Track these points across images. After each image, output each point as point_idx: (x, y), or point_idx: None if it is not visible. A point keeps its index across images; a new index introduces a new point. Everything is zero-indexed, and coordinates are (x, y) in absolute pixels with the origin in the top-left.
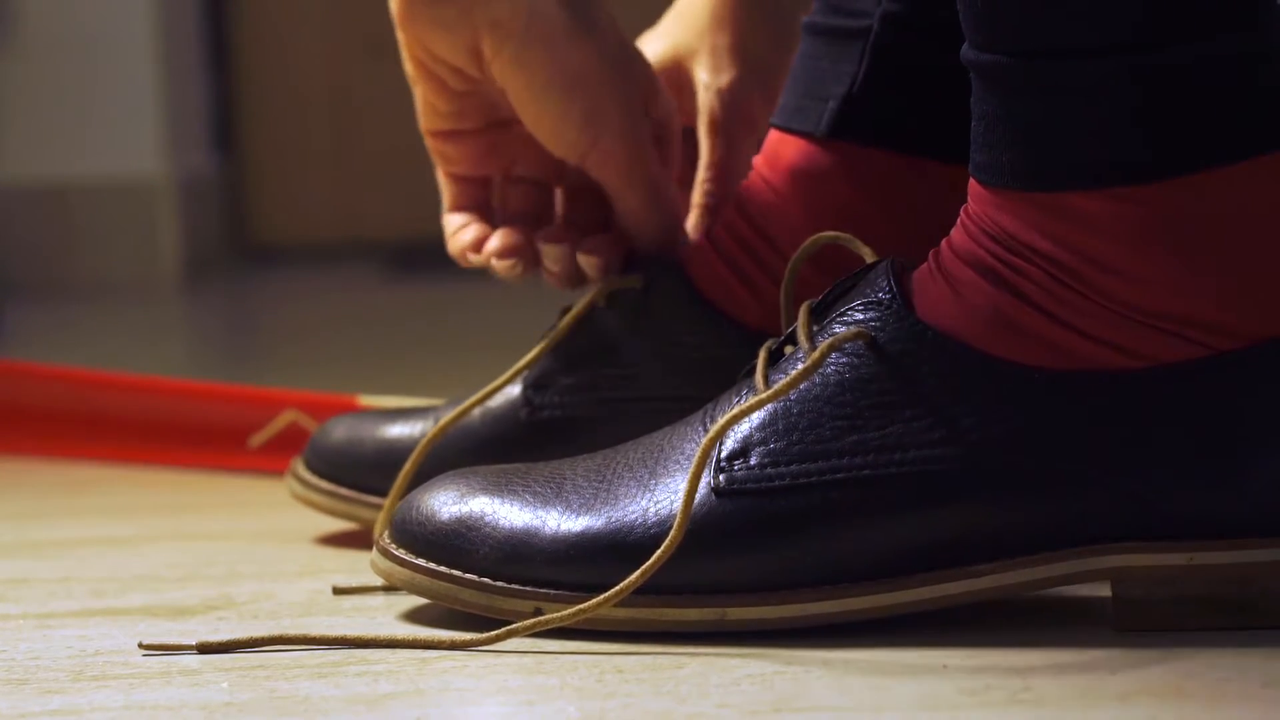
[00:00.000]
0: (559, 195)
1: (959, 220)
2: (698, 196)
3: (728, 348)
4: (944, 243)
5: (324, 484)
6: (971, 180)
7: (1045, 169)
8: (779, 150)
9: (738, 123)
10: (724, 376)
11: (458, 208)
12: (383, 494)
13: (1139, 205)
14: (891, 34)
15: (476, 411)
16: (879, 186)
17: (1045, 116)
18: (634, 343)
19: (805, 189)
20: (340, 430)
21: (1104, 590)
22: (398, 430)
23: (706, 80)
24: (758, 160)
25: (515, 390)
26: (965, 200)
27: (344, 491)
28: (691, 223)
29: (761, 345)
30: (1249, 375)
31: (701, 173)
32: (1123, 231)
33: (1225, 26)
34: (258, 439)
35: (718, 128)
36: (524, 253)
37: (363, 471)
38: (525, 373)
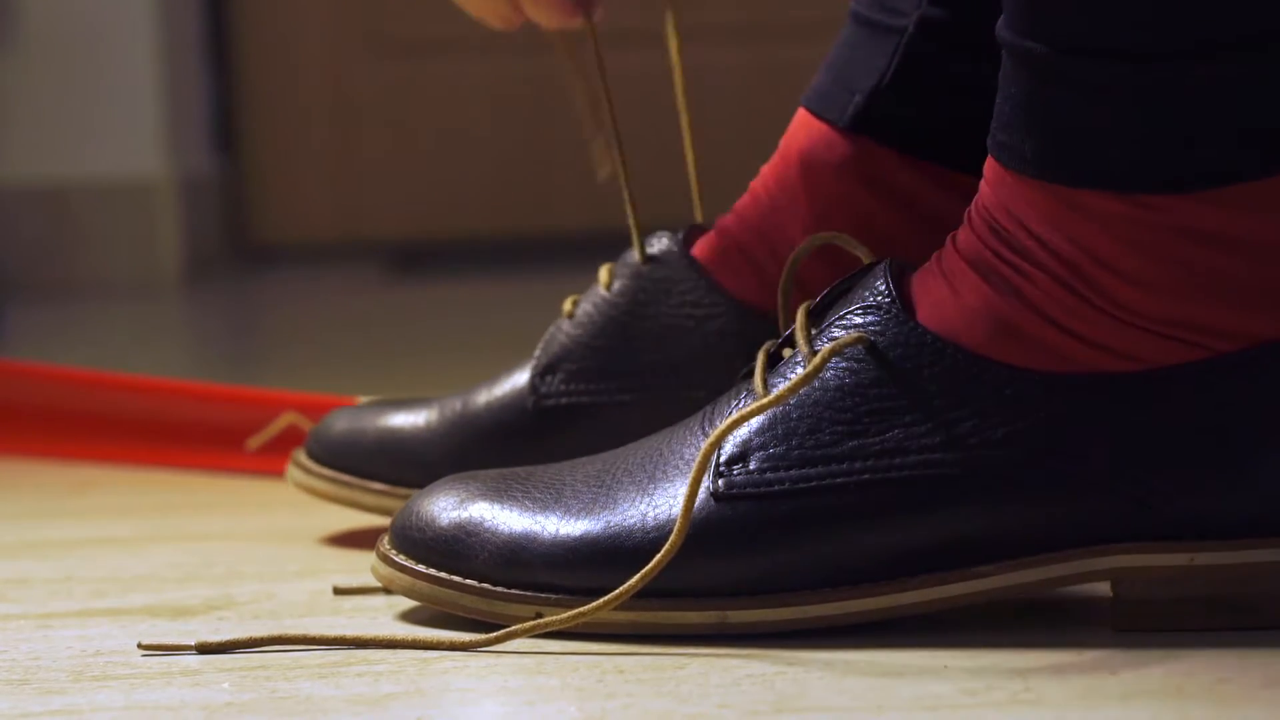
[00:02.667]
0: None
1: (965, 220)
2: None
3: (736, 330)
4: (948, 241)
5: (326, 471)
6: (989, 159)
7: (1067, 164)
8: (803, 131)
9: None
10: (732, 359)
11: None
12: (385, 480)
13: (1158, 212)
14: (926, 38)
15: (483, 400)
16: (891, 186)
17: (1076, 113)
18: (640, 329)
19: (819, 176)
20: (343, 421)
21: (1104, 590)
22: (400, 419)
23: None
24: (785, 138)
25: (522, 379)
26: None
27: (345, 478)
28: None
29: (768, 327)
30: (1249, 377)
31: None
32: (1137, 236)
33: (1272, 41)
34: (255, 441)
35: None
36: None
37: (365, 458)
38: (533, 361)
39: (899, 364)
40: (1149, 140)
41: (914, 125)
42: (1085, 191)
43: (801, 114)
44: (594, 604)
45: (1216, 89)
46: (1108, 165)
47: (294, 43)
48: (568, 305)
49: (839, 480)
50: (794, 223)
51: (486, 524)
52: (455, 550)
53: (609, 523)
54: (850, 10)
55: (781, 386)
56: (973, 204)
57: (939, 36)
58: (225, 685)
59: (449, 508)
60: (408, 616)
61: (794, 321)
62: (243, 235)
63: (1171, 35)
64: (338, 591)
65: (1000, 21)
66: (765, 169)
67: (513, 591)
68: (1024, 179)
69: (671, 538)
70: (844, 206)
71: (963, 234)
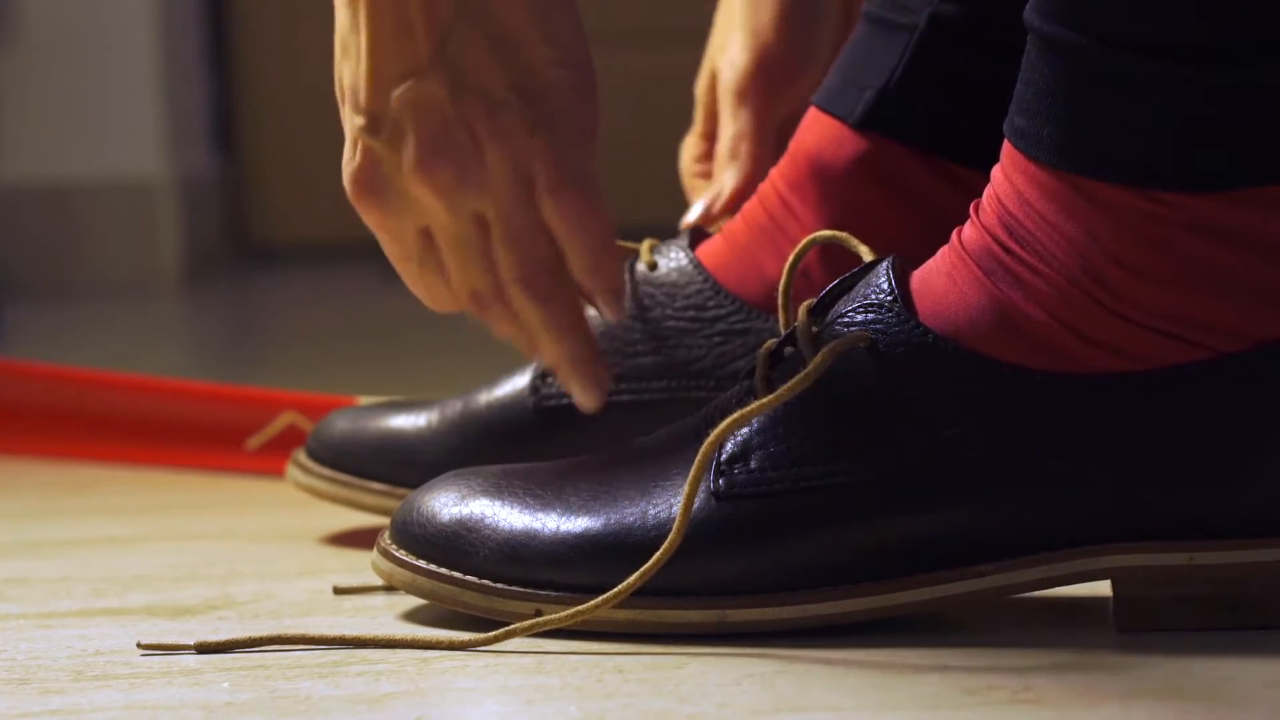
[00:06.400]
0: None
1: (971, 215)
2: (719, 166)
3: (742, 332)
4: (953, 237)
5: (326, 471)
6: (1005, 143)
7: (1086, 154)
8: (812, 129)
9: (740, 90)
10: (738, 360)
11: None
12: (384, 480)
13: (1174, 209)
14: (936, 35)
15: (483, 400)
16: (899, 182)
17: (1103, 104)
18: (645, 331)
19: (830, 173)
20: (343, 421)
21: (1104, 590)
22: (401, 421)
23: (720, 69)
24: (794, 139)
25: (523, 380)
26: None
27: (345, 478)
28: (723, 196)
29: (774, 328)
30: (1251, 377)
31: (721, 143)
32: (1149, 231)
33: None
34: (255, 441)
35: (724, 100)
36: None
37: (364, 458)
38: (534, 363)
39: (900, 363)
40: (1176, 137)
41: (925, 122)
42: (1101, 183)
43: (812, 113)
44: (593, 602)
45: (1253, 91)
46: (1128, 158)
47: (294, 43)
48: None
49: (839, 479)
50: (803, 222)
51: (487, 520)
52: (455, 546)
53: (609, 520)
54: (862, 10)
55: (782, 385)
56: (981, 197)
57: (951, 33)
58: (224, 685)
59: (450, 504)
60: (407, 616)
61: (795, 320)
62: (243, 235)
63: (1216, 36)
64: (338, 591)
65: (1029, 6)
66: (773, 171)
67: (513, 588)
68: (1039, 165)
69: (671, 536)
70: (854, 204)
71: (968, 229)
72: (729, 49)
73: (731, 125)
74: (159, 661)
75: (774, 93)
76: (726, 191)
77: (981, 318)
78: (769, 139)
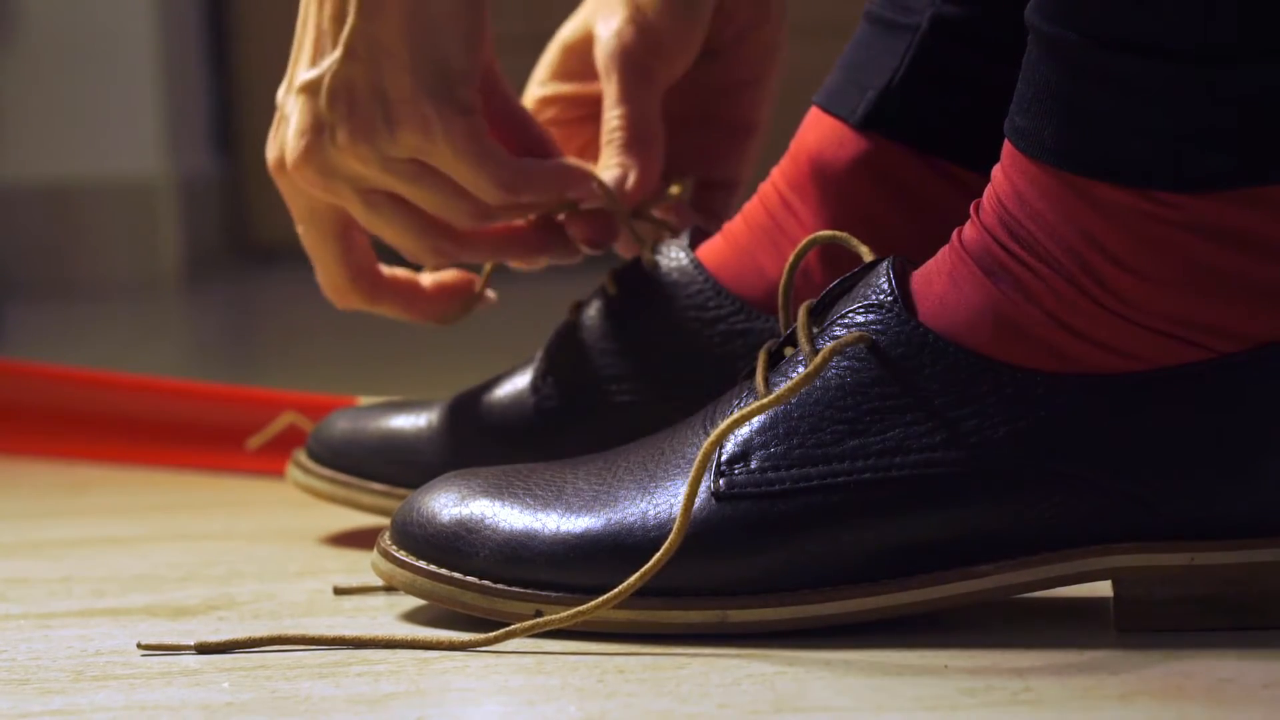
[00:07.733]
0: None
1: (971, 216)
2: (605, 137)
3: (743, 332)
4: (953, 237)
5: (326, 471)
6: (1006, 143)
7: (1086, 154)
8: (814, 129)
9: (625, 64)
10: (739, 361)
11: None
12: (384, 480)
13: (1173, 209)
14: (938, 36)
15: (484, 401)
16: (902, 183)
17: (1102, 104)
18: (643, 328)
19: (830, 173)
20: (343, 421)
21: (1104, 590)
22: (401, 420)
23: (598, 32)
24: (795, 139)
25: (524, 380)
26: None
27: (345, 478)
28: (610, 173)
29: (776, 328)
30: (1250, 377)
31: (606, 116)
32: (1148, 231)
33: None
34: (255, 441)
35: (607, 69)
36: None
37: (365, 458)
38: (535, 363)
39: (900, 363)
40: (1174, 138)
41: (926, 122)
42: (1101, 184)
43: (813, 113)
44: (594, 602)
45: (1253, 92)
46: (1128, 158)
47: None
48: (571, 308)
49: (840, 479)
50: (804, 222)
51: (487, 521)
52: (455, 547)
53: (610, 520)
54: (864, 10)
55: (783, 386)
56: (981, 197)
57: (952, 33)
58: (225, 685)
59: (450, 504)
60: (408, 616)
61: (795, 320)
62: (243, 235)
63: (1211, 35)
64: (338, 591)
65: (1030, 6)
66: (775, 171)
67: (513, 589)
68: (1039, 165)
69: (671, 536)
70: (855, 204)
71: (968, 230)
72: (611, 19)
73: (624, 105)
74: (159, 661)
75: (657, 70)
76: (636, 174)
77: (981, 318)
78: (660, 118)
